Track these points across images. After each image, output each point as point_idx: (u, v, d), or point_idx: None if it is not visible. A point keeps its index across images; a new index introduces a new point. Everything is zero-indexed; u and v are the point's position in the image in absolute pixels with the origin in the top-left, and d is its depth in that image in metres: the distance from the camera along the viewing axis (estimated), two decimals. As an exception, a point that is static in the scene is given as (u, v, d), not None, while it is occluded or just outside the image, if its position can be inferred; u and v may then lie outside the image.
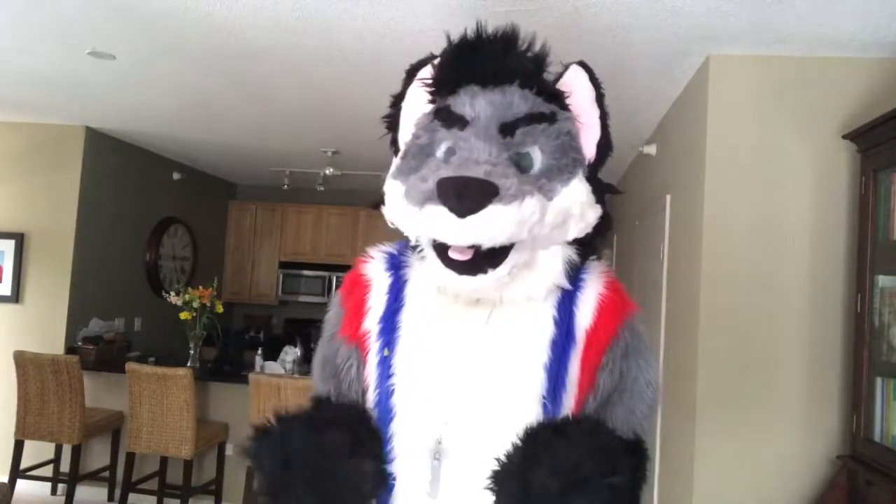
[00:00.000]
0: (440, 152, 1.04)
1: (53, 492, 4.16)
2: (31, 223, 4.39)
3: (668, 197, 3.12)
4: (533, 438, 0.94)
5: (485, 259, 0.93)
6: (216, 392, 4.07)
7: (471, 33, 1.09)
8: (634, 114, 3.33)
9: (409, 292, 1.11)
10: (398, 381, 1.05)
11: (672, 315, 2.99)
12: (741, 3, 2.07)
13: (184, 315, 4.10)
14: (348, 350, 1.14)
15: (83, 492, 3.99)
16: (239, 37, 2.59)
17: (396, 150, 1.16)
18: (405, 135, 1.14)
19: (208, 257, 6.19)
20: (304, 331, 6.25)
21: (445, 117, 1.06)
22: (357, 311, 1.14)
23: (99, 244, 4.61)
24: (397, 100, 1.19)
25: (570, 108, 1.09)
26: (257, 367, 4.16)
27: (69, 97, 3.71)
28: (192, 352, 4.20)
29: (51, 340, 4.26)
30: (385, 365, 1.07)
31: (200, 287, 4.24)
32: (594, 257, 1.14)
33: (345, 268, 5.77)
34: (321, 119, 3.84)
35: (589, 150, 1.09)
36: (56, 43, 2.81)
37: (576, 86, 1.10)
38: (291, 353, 4.15)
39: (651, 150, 3.53)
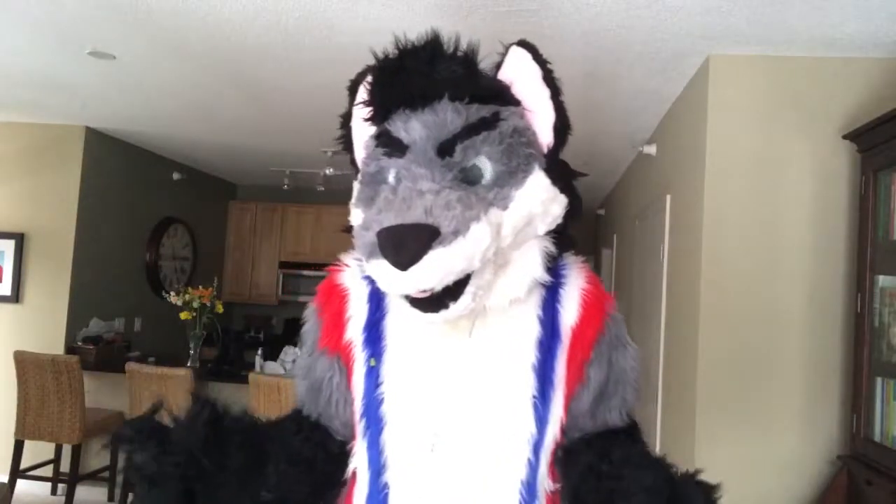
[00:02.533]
0: (391, 178, 1.02)
1: (53, 492, 4.16)
2: (31, 223, 4.39)
3: (668, 197, 3.12)
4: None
5: (444, 295, 0.92)
6: (216, 392, 4.06)
7: (393, 51, 1.03)
8: (634, 114, 3.33)
9: (391, 300, 1.08)
10: (387, 389, 1.04)
11: (672, 315, 2.99)
12: (741, 3, 2.07)
13: (184, 315, 4.11)
14: (329, 361, 1.12)
15: (83, 492, 3.99)
16: (239, 37, 2.60)
17: (357, 169, 1.14)
18: (360, 154, 1.12)
19: (208, 257, 6.19)
20: (304, 331, 6.25)
21: (386, 143, 1.03)
22: (336, 321, 1.11)
23: (99, 244, 4.61)
24: (346, 119, 1.16)
25: (517, 96, 1.05)
26: (257, 367, 4.16)
27: (69, 97, 3.71)
28: (192, 352, 4.20)
29: (51, 340, 4.26)
30: (372, 375, 1.05)
31: (200, 287, 4.24)
32: (571, 252, 1.12)
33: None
34: (321, 119, 3.82)
35: (545, 136, 1.05)
36: (56, 43, 2.81)
37: (519, 70, 1.05)
38: (291, 353, 4.15)
39: (651, 150, 3.53)
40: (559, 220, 1.05)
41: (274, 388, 3.41)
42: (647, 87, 2.92)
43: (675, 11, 2.16)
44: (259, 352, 4.36)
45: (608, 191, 5.71)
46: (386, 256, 0.88)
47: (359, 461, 1.08)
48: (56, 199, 4.38)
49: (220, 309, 4.19)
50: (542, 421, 1.02)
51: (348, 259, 1.17)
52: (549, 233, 1.04)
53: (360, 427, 1.08)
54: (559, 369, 1.05)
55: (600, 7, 2.15)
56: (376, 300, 1.10)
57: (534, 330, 1.05)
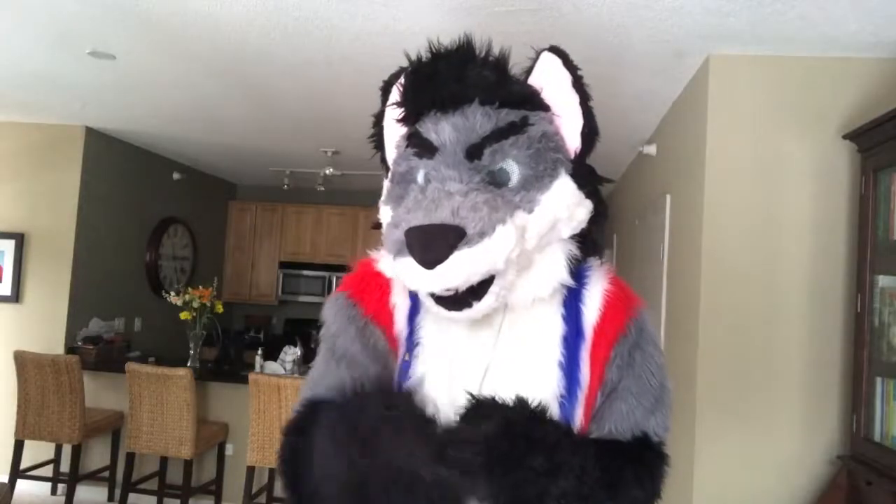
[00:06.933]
0: (420, 178, 1.05)
1: (53, 492, 4.16)
2: (31, 223, 4.39)
3: (668, 197, 3.12)
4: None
5: (468, 294, 0.94)
6: (216, 392, 4.07)
7: (426, 55, 1.06)
8: (634, 114, 3.33)
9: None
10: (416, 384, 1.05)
11: (672, 315, 2.99)
12: (741, 3, 2.08)
13: (184, 315, 4.11)
14: (387, 349, 1.09)
15: (83, 492, 3.99)
16: (239, 37, 2.60)
17: (387, 168, 1.16)
18: (391, 153, 1.14)
19: (208, 257, 6.20)
20: (304, 331, 6.26)
21: (417, 144, 1.06)
22: (383, 309, 1.10)
23: (99, 244, 4.61)
24: (378, 119, 1.19)
25: (546, 101, 1.07)
26: (257, 367, 4.16)
27: (69, 97, 3.71)
28: (192, 352, 4.20)
29: (51, 340, 4.26)
30: (405, 369, 1.07)
31: (200, 287, 4.24)
32: (596, 256, 1.13)
33: (345, 268, 5.71)
34: (321, 119, 3.84)
35: (573, 141, 1.08)
36: (56, 43, 2.81)
37: (549, 76, 1.07)
38: (291, 353, 4.15)
39: (651, 150, 3.53)
40: (584, 225, 1.07)
41: (274, 388, 3.41)
42: (647, 88, 2.92)
43: (675, 11, 2.16)
44: (259, 352, 4.35)
45: (608, 191, 5.71)
46: (413, 255, 0.91)
47: None
48: (56, 199, 4.38)
49: (219, 309, 4.19)
50: (568, 420, 1.02)
51: (379, 255, 1.16)
52: (573, 237, 1.06)
53: None
54: (584, 368, 1.05)
55: (600, 7, 2.15)
56: (413, 294, 1.08)
57: (558, 327, 1.05)
